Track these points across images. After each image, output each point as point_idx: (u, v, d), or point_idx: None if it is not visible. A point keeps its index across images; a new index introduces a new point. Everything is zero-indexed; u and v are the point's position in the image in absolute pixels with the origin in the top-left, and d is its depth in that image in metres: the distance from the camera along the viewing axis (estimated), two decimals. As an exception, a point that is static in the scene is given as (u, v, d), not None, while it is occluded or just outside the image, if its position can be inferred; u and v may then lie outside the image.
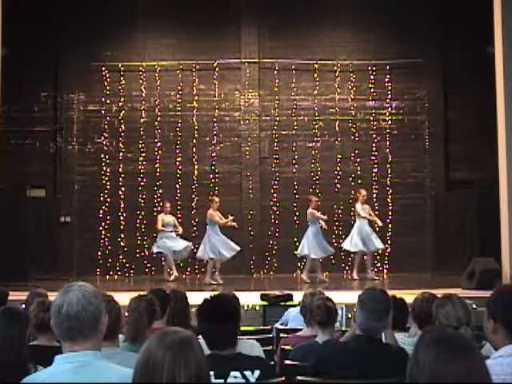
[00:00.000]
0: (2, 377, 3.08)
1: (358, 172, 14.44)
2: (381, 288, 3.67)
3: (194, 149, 14.47)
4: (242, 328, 4.19)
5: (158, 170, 14.39)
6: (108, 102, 14.57)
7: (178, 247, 12.75)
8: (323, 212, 12.53)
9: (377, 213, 13.10)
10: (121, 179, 14.32)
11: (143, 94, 14.60)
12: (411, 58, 14.51)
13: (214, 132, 14.55)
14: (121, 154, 14.41)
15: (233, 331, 3.15)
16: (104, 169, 14.38)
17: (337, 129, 14.59)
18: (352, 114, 14.63)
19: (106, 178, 14.34)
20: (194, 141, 14.49)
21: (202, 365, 1.86)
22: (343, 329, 5.87)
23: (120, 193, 14.26)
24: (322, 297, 4.80)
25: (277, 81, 14.63)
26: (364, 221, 12.56)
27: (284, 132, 14.60)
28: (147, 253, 13.74)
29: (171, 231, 12.81)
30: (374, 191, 14.14)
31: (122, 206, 14.19)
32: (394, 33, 14.51)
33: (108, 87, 14.54)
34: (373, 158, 14.55)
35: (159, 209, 13.71)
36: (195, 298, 5.17)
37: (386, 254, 13.87)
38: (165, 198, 13.60)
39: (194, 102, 14.60)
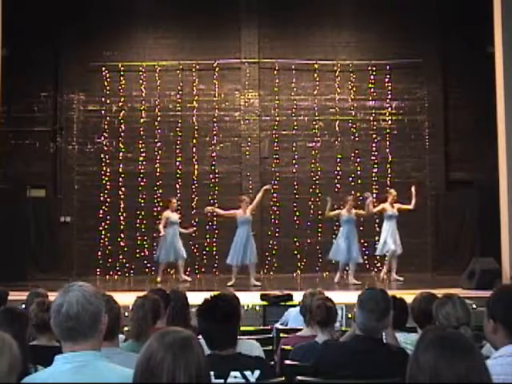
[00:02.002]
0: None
1: (358, 172, 14.45)
2: (381, 288, 3.67)
3: (194, 149, 14.47)
4: (242, 328, 4.18)
5: (158, 170, 14.39)
6: (108, 102, 14.57)
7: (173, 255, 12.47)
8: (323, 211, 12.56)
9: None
10: (121, 179, 14.31)
11: (143, 94, 14.60)
12: (411, 58, 14.51)
13: (214, 132, 14.54)
14: (121, 154, 14.41)
15: (233, 331, 3.14)
16: (104, 169, 14.38)
17: (337, 129, 14.59)
18: (352, 114, 14.63)
19: (106, 178, 14.33)
20: (194, 141, 14.49)
21: (202, 365, 1.86)
22: (343, 329, 5.86)
23: (120, 193, 14.25)
24: (321, 297, 4.80)
25: (277, 81, 14.63)
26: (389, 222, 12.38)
27: (284, 132, 14.59)
28: (147, 253, 13.75)
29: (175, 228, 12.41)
30: (374, 191, 14.11)
31: (122, 205, 14.19)
32: (394, 33, 14.52)
33: (108, 87, 14.54)
34: (373, 158, 14.55)
35: (159, 209, 13.71)
36: (195, 298, 5.17)
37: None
38: (172, 195, 13.16)
39: (194, 102, 14.60)
